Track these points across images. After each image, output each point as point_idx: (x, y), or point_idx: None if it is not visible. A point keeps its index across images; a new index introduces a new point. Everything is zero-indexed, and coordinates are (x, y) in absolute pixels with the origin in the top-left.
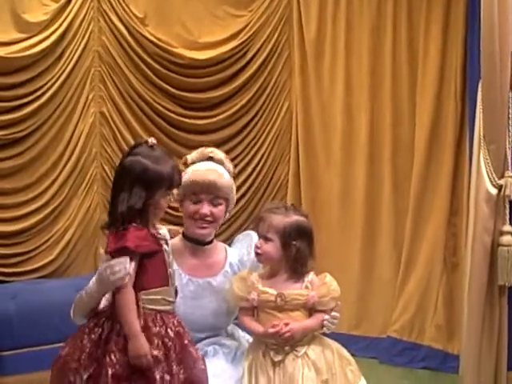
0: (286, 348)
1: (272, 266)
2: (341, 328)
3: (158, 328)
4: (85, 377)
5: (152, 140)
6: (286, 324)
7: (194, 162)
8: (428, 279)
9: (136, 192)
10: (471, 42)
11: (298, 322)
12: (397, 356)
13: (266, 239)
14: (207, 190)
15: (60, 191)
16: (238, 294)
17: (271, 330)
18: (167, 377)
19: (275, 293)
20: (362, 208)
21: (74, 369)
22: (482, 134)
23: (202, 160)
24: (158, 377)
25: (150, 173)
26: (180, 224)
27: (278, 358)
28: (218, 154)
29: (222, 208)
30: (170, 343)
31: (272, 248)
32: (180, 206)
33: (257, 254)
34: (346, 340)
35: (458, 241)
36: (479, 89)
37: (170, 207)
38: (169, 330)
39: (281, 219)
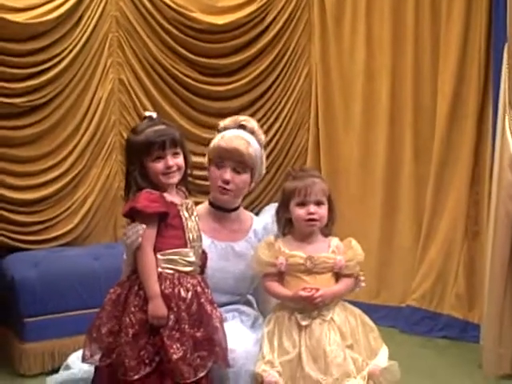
0: (314, 313)
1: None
2: (360, 297)
3: (170, 290)
4: (103, 331)
5: (147, 113)
6: (317, 289)
7: (226, 129)
8: (449, 248)
9: (132, 163)
10: (496, 2)
11: (325, 285)
12: (416, 325)
13: (319, 203)
14: (231, 157)
15: (79, 159)
16: (264, 259)
17: (302, 293)
18: (177, 334)
19: (304, 256)
20: (382, 175)
21: (95, 325)
22: (507, 98)
23: (234, 127)
24: (165, 334)
25: (131, 144)
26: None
27: (305, 323)
28: (251, 122)
29: (245, 177)
30: (182, 303)
31: (325, 211)
32: (208, 171)
33: (312, 220)
34: (365, 309)
35: (480, 209)
36: (505, 52)
37: (197, 177)
38: (183, 291)
39: (325, 184)
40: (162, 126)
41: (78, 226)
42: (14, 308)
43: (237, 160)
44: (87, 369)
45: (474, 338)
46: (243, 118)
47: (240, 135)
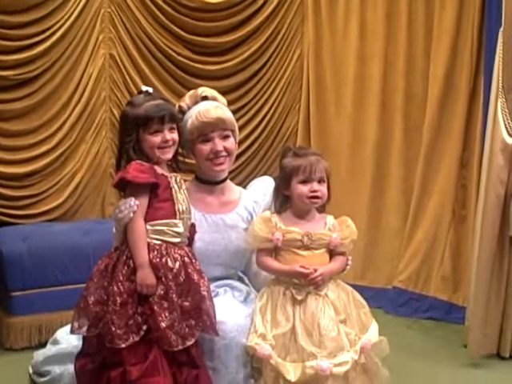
0: (310, 288)
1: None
2: (347, 278)
3: (158, 259)
4: (90, 301)
5: (143, 87)
6: (315, 270)
7: (189, 107)
8: (436, 230)
9: (127, 135)
10: None
11: (320, 261)
12: (402, 306)
13: (321, 181)
14: (216, 127)
15: (69, 134)
16: (260, 235)
17: (301, 269)
18: (165, 304)
19: (302, 232)
20: (371, 157)
21: (83, 296)
22: (500, 83)
23: (197, 102)
24: (154, 302)
25: (129, 116)
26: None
27: (300, 297)
28: (210, 91)
29: (232, 140)
30: (169, 273)
31: (325, 189)
32: (191, 155)
33: (315, 198)
34: None
35: (468, 193)
36: (499, 37)
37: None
38: (170, 261)
39: (326, 162)
40: (161, 101)
41: (66, 201)
42: (1, 282)
43: (221, 128)
44: (76, 343)
45: (459, 320)
46: (201, 90)
47: (211, 104)
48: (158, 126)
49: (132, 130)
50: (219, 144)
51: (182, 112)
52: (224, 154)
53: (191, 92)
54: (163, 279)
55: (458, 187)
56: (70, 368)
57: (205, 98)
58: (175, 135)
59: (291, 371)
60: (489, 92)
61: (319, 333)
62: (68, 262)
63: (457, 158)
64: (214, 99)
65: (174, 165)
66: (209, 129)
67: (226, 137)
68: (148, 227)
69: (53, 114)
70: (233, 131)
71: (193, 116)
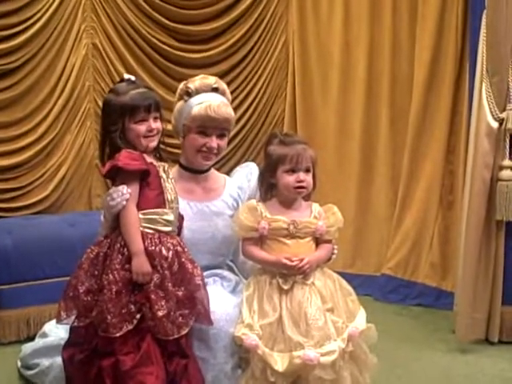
0: (296, 277)
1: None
2: (336, 266)
3: (153, 247)
4: (81, 290)
5: (126, 75)
6: (301, 259)
7: (198, 92)
8: (424, 217)
9: (113, 123)
10: None
11: (306, 249)
12: (391, 293)
13: (307, 170)
14: (219, 125)
15: (53, 126)
16: (246, 224)
17: (287, 262)
18: (161, 293)
19: (288, 220)
20: (358, 144)
21: (73, 285)
22: (484, 66)
23: (206, 91)
24: (151, 291)
25: (113, 105)
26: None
27: (286, 286)
28: (222, 84)
29: (225, 140)
30: (164, 262)
31: (311, 179)
32: (181, 138)
33: (301, 187)
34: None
35: (455, 179)
36: (483, 19)
37: (166, 144)
38: (164, 250)
39: (312, 150)
40: (145, 89)
41: (51, 193)
42: None
43: (222, 127)
44: (64, 336)
45: (447, 306)
46: (213, 80)
47: (222, 101)
48: (144, 115)
49: (117, 119)
50: (215, 141)
51: (188, 94)
52: (215, 151)
53: (203, 77)
54: (158, 268)
55: (445, 173)
56: (58, 360)
57: (215, 90)
58: (159, 124)
59: (278, 361)
60: (474, 76)
61: (306, 322)
62: (55, 254)
63: (443, 143)
64: (223, 94)
65: (158, 154)
66: (212, 124)
67: (222, 135)
68: (140, 216)
69: (36, 105)
70: (229, 131)
71: (202, 105)
